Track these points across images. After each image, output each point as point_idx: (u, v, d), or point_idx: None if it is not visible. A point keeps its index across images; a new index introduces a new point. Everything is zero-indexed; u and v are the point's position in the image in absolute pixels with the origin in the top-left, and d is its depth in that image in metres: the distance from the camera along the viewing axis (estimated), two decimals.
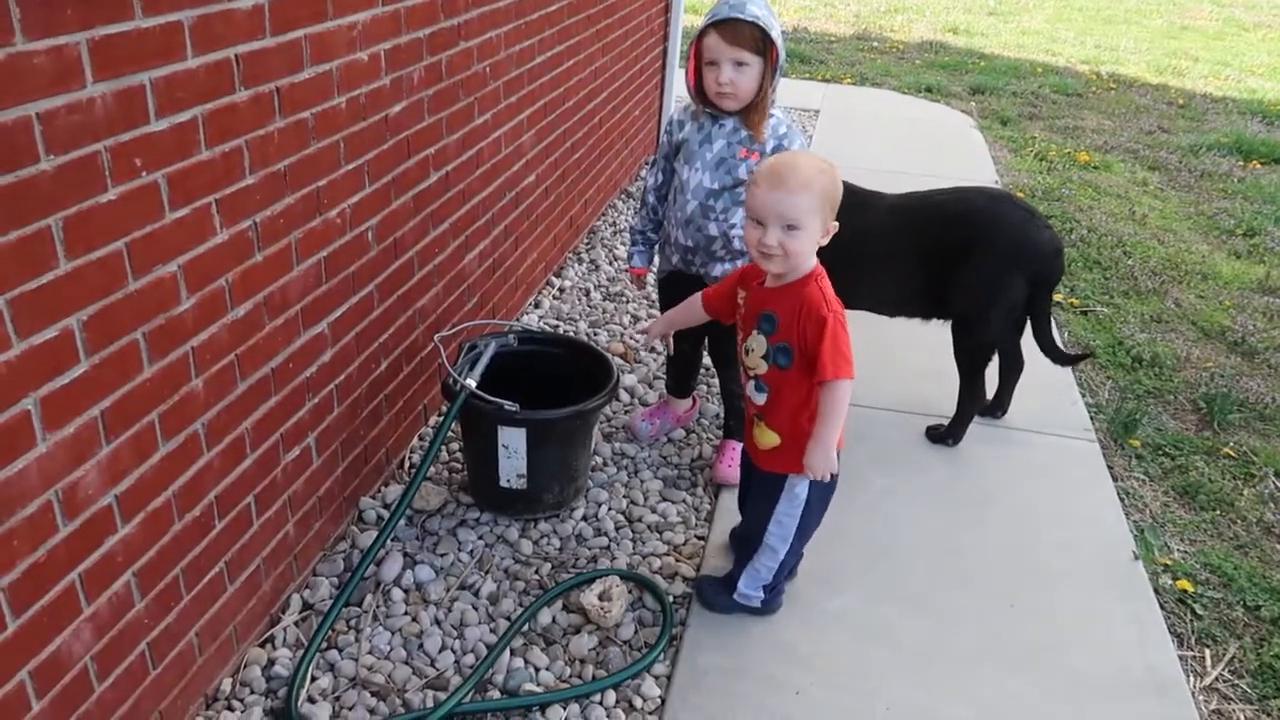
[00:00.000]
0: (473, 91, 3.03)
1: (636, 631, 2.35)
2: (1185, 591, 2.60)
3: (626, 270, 3.25)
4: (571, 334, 3.74)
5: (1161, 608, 2.53)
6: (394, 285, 2.70)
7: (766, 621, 2.38)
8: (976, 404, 3.15)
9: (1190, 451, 3.25)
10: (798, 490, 2.22)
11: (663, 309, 2.86)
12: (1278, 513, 2.96)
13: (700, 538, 2.68)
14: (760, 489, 2.28)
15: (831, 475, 2.14)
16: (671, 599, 2.44)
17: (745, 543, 2.35)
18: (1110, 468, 3.11)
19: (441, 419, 2.51)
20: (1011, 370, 3.27)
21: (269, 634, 2.27)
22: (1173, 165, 6.61)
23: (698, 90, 2.57)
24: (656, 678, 2.22)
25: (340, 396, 2.48)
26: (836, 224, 2.06)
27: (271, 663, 2.19)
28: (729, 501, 2.83)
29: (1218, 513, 2.96)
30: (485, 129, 3.21)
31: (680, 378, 3.09)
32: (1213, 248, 5.16)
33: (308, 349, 2.28)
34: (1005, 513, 2.86)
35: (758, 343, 2.15)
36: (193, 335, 1.85)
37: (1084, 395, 3.53)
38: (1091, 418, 3.38)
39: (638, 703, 2.15)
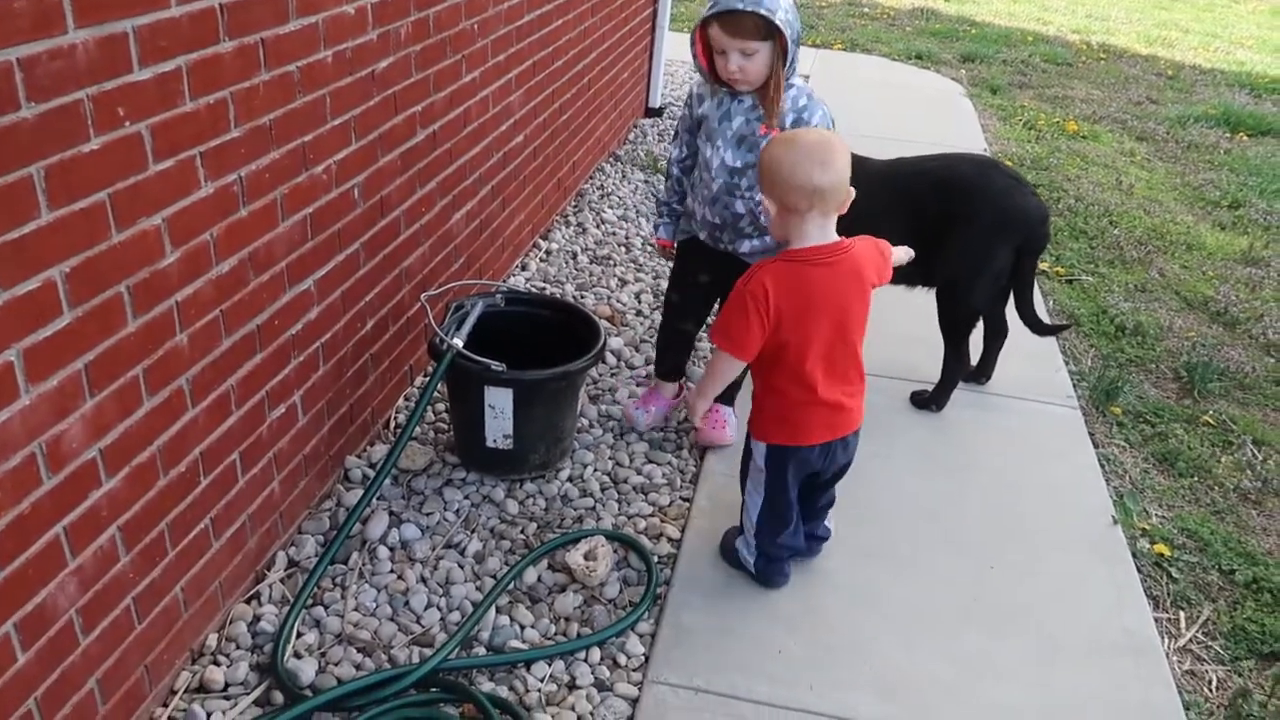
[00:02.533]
0: (460, 49, 2.99)
1: (621, 591, 2.37)
2: (1162, 555, 2.64)
3: (653, 241, 3.20)
4: (558, 296, 3.73)
5: (1139, 571, 2.57)
6: (380, 243, 2.68)
7: (750, 582, 2.40)
8: (961, 370, 3.16)
9: (1170, 419, 3.28)
10: (755, 455, 2.30)
11: (677, 272, 2.86)
12: (1254, 480, 3.00)
13: (685, 499, 2.70)
14: (747, 443, 2.36)
15: (796, 462, 2.23)
16: (656, 559, 2.46)
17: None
18: (1091, 434, 3.14)
19: (428, 379, 2.50)
20: (996, 337, 3.29)
21: (255, 590, 2.28)
22: (1160, 136, 6.62)
23: (711, 72, 2.51)
24: (641, 636, 2.25)
25: (326, 355, 2.47)
26: (769, 199, 2.09)
27: (257, 619, 2.19)
28: (714, 464, 2.84)
29: (1195, 479, 3.00)
30: (473, 87, 3.18)
31: (674, 363, 3.04)
32: (1198, 219, 5.18)
33: (293, 306, 2.27)
34: (987, 477, 2.89)
35: None
36: (177, 289, 1.83)
37: (1067, 363, 3.56)
38: (1074, 385, 3.41)
39: (622, 660, 2.18)
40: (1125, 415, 3.29)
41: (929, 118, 6.44)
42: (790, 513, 2.31)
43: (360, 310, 2.63)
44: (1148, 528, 2.75)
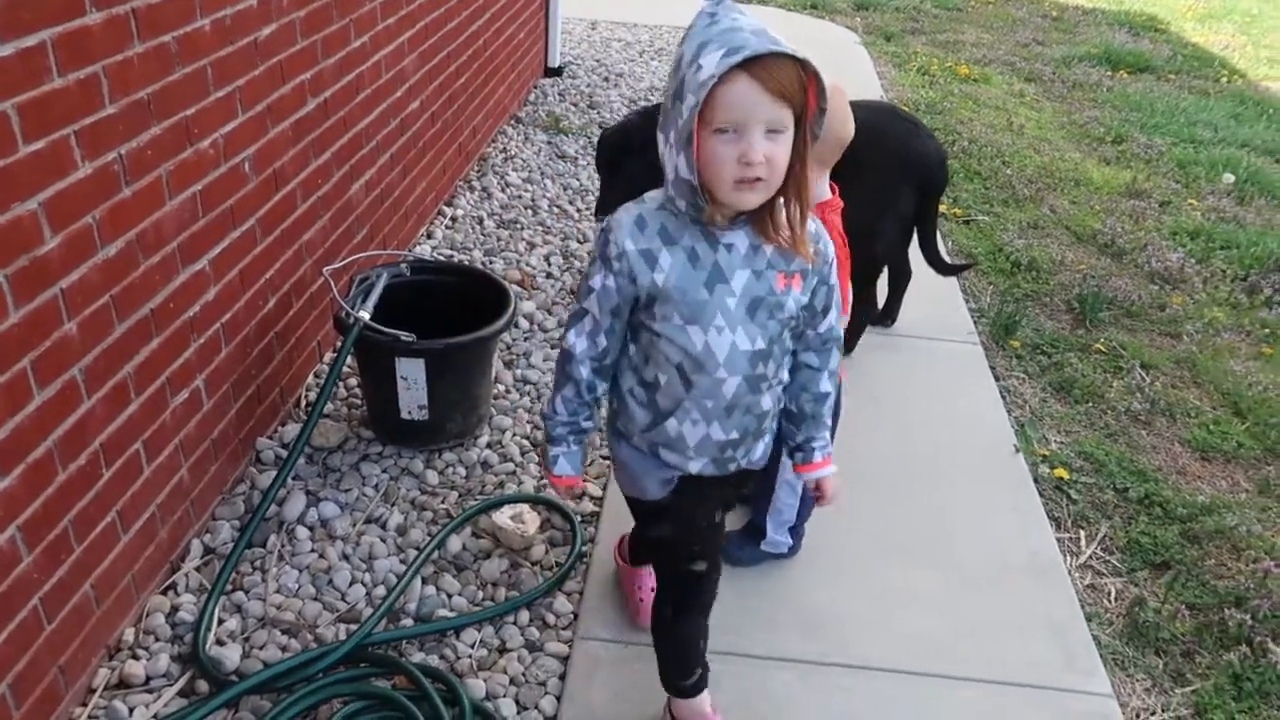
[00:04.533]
0: (348, 13, 2.90)
1: (547, 552, 2.38)
2: (1062, 479, 2.78)
3: (544, 479, 2.44)
4: (467, 262, 3.69)
5: (1040, 495, 2.70)
6: (277, 218, 2.61)
7: None
8: (870, 314, 3.24)
9: (1065, 349, 3.43)
10: None
11: (667, 537, 1.84)
12: (1143, 402, 3.17)
13: (605, 458, 2.72)
14: None
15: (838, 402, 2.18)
16: (579, 518, 2.48)
17: (763, 485, 2.29)
18: (993, 368, 3.27)
19: (336, 354, 2.46)
20: (901, 279, 3.38)
21: (170, 581, 2.22)
22: (1047, 76, 6.82)
23: (698, 184, 1.47)
24: (569, 595, 2.27)
25: (228, 335, 2.40)
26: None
27: (175, 609, 2.15)
28: None
29: (1090, 405, 3.15)
30: (364, 52, 3.09)
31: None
32: (1084, 155, 5.37)
33: (188, 287, 2.20)
34: (897, 416, 2.98)
35: None
36: (61, 277, 1.75)
37: (967, 301, 3.68)
38: (975, 321, 3.53)
39: (551, 620, 2.20)
40: (1023, 348, 3.42)
41: (827, 68, 6.43)
42: None
43: (261, 288, 2.56)
44: (1047, 454, 2.88)
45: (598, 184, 4.44)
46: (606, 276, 1.58)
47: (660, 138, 1.51)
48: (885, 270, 3.30)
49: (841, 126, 2.02)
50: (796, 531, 2.36)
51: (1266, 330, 3.67)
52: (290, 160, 2.64)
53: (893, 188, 3.04)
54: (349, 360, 2.49)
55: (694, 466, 1.68)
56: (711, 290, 1.55)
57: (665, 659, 1.89)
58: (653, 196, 1.59)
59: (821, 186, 2.08)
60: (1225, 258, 4.20)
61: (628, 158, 3.17)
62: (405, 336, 2.42)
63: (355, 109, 3.07)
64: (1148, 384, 3.26)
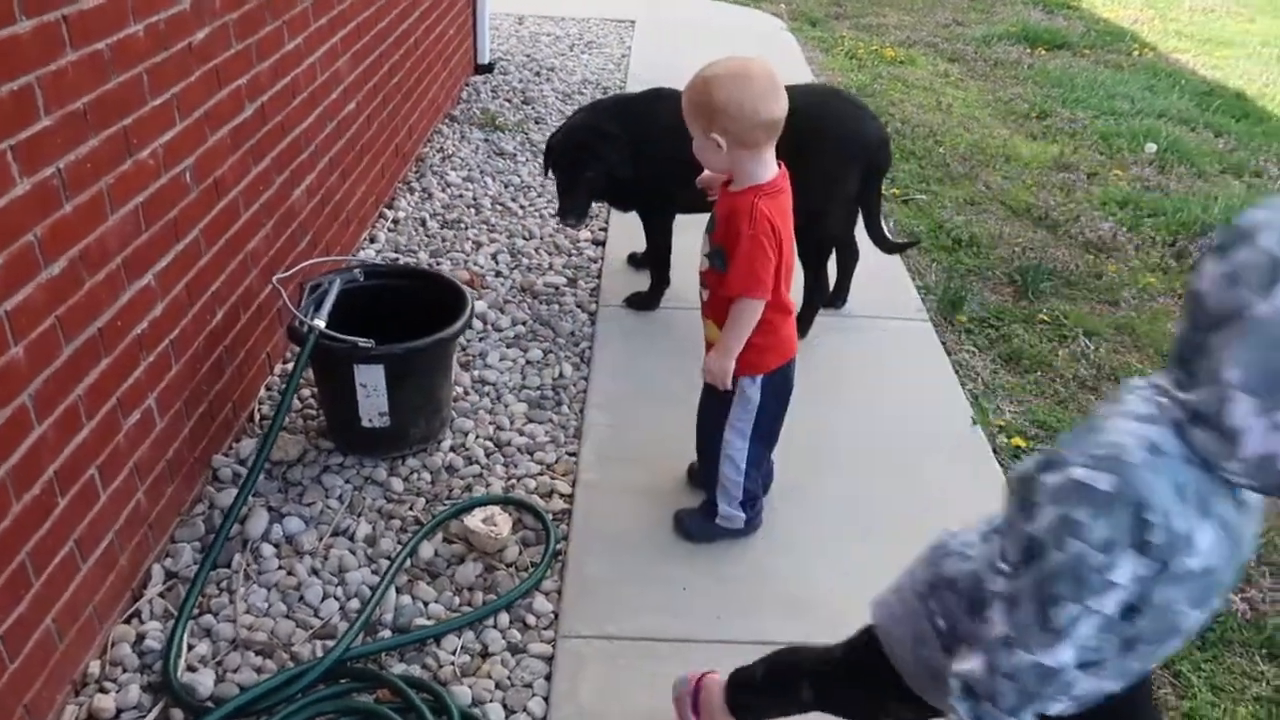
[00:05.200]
0: (280, 14, 2.82)
1: (521, 553, 2.36)
2: (1019, 447, 2.84)
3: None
4: (414, 264, 3.63)
5: (1000, 465, 2.75)
6: (220, 228, 2.53)
7: (647, 527, 2.44)
8: (822, 296, 3.27)
9: (1011, 321, 3.51)
10: (749, 393, 2.23)
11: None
12: (1089, 368, 3.25)
13: (572, 454, 2.70)
14: (711, 391, 2.26)
15: (782, 379, 2.24)
16: (551, 516, 2.46)
17: (707, 460, 2.35)
18: (944, 344, 3.33)
19: (292, 365, 2.40)
20: (849, 261, 3.42)
21: (134, 609, 2.15)
22: (969, 56, 6.96)
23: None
24: (547, 594, 2.25)
25: (178, 352, 2.33)
26: (724, 137, 2.02)
27: (141, 638, 2.07)
28: (596, 416, 2.85)
29: (1039, 374, 3.22)
30: (298, 54, 3.01)
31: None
32: (1012, 131, 5.50)
33: (136, 304, 2.12)
34: (856, 397, 3.02)
35: (705, 240, 2.19)
36: (4, 298, 1.68)
37: (914, 279, 3.74)
38: (922, 299, 3.59)
39: (531, 620, 2.18)
40: (971, 322, 3.49)
41: (760, 55, 6.54)
42: (777, 432, 2.35)
43: (208, 300, 2.48)
44: (1003, 424, 2.94)
45: (539, 180, 4.41)
46: (1140, 562, 1.09)
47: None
48: (837, 255, 3.33)
49: (758, 105, 2.00)
50: (752, 507, 2.38)
51: None
52: (230, 168, 2.56)
53: (839, 170, 3.07)
54: (305, 370, 2.43)
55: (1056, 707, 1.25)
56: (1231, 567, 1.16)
57: None
58: (1160, 434, 1.11)
59: (755, 169, 2.08)
60: (1153, 225, 4.33)
61: (589, 159, 3.13)
62: (363, 342, 2.37)
63: (293, 113, 2.99)
64: (1092, 351, 3.35)
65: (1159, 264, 4.01)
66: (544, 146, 3.31)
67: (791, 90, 3.17)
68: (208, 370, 2.49)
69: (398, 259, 3.68)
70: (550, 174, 3.32)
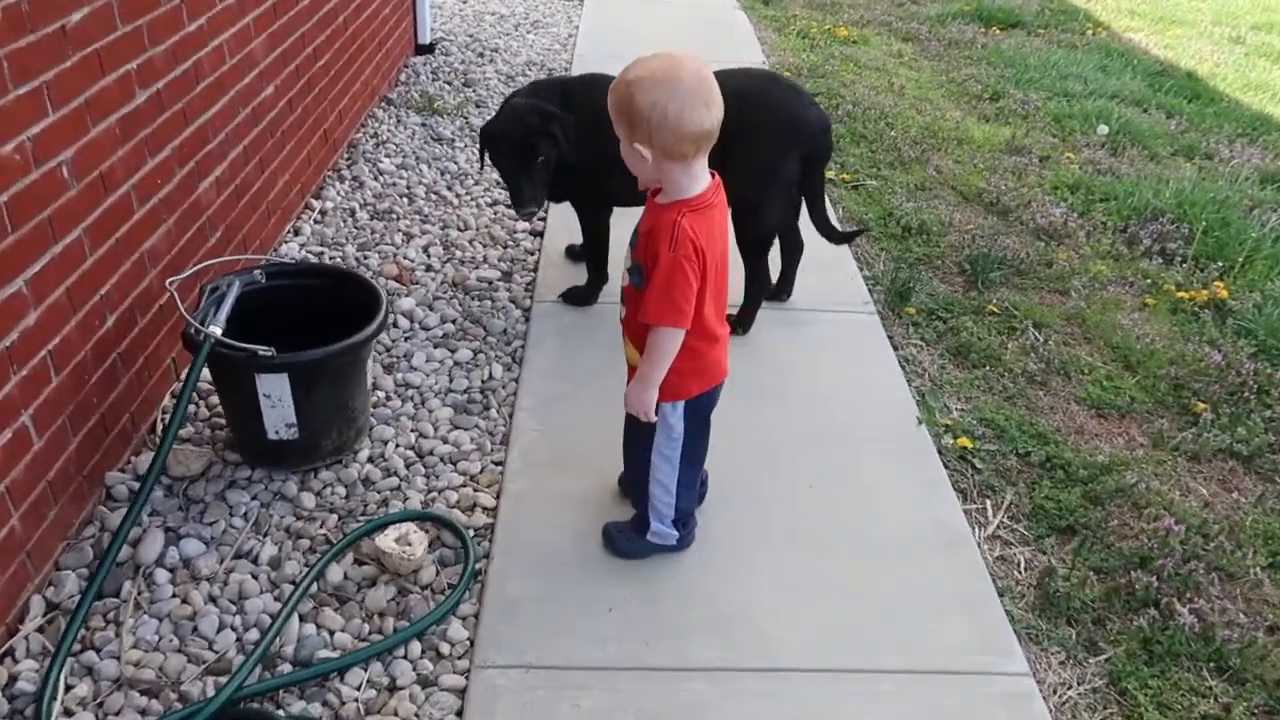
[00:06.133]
0: None
1: (438, 573, 2.21)
2: (965, 448, 2.73)
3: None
4: (338, 259, 3.44)
5: (946, 466, 2.65)
6: (109, 227, 2.34)
7: (575, 541, 2.30)
8: (763, 289, 3.14)
9: (960, 313, 3.40)
10: (670, 420, 2.07)
11: None
12: (1038, 362, 3.16)
13: (498, 463, 2.55)
14: (636, 418, 2.08)
15: (707, 403, 2.08)
16: (472, 533, 2.31)
17: (637, 479, 2.20)
18: (890, 337, 3.21)
19: (185, 374, 2.22)
20: (793, 251, 3.29)
21: (7, 646, 1.97)
22: (923, 36, 6.84)
23: None
24: (464, 619, 2.10)
25: (58, 363, 2.14)
26: (648, 147, 1.83)
27: (13, 679, 1.90)
28: (525, 420, 2.70)
29: (988, 369, 3.12)
30: (201, 37, 2.81)
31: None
32: (964, 113, 5.39)
33: (2, 313, 1.93)
34: (799, 395, 2.89)
35: (627, 253, 2.00)
36: None
37: (861, 269, 3.62)
38: (870, 290, 3.47)
39: (445, 649, 2.03)
40: (919, 314, 3.38)
41: (708, 35, 6.38)
42: (704, 453, 2.21)
43: (96, 306, 2.29)
44: (950, 423, 2.84)
45: (476, 167, 4.23)
46: None
47: None
48: (776, 243, 3.20)
49: (686, 114, 1.80)
50: (684, 524, 2.25)
51: (1148, 280, 3.73)
52: (120, 161, 2.37)
53: (778, 157, 2.93)
54: (206, 378, 2.26)
55: None
56: None
57: None
58: None
59: (683, 181, 1.88)
60: (1105, 210, 4.25)
61: (544, 141, 2.90)
62: (263, 350, 2.19)
63: (196, 100, 2.79)
64: (1041, 343, 3.25)
65: (1110, 251, 3.92)
66: (480, 134, 3.06)
67: (726, 74, 3.05)
68: (98, 381, 2.31)
69: (323, 253, 3.49)
70: (491, 162, 3.06)
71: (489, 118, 3.24)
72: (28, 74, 1.98)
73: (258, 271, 2.48)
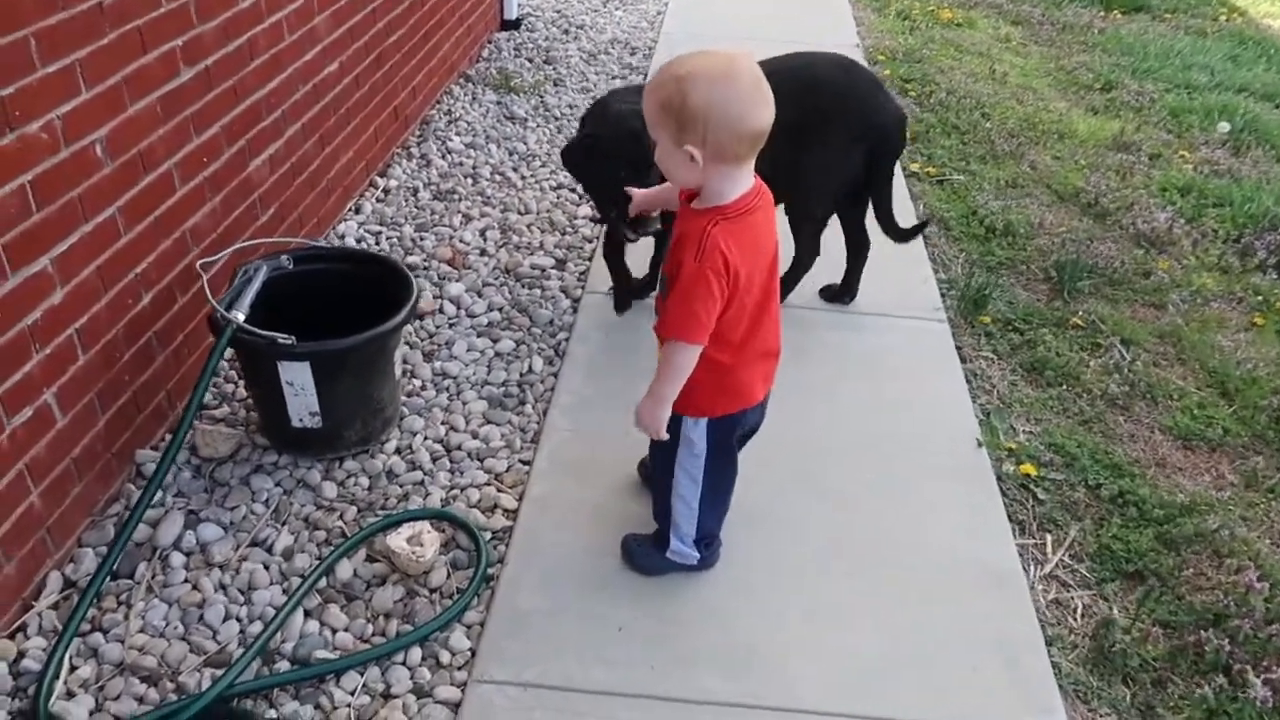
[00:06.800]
0: None
1: (449, 576, 2.14)
2: (1029, 475, 2.53)
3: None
4: (394, 240, 3.41)
5: (1004, 495, 2.45)
6: (148, 205, 2.33)
7: (593, 552, 2.20)
8: (801, 269, 2.98)
9: (1039, 324, 3.16)
10: (692, 436, 1.95)
11: None
12: (1122, 384, 2.90)
13: (525, 462, 2.47)
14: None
15: (736, 425, 1.95)
16: (489, 536, 2.24)
17: (659, 492, 2.09)
18: (959, 348, 3.00)
19: (207, 359, 2.20)
20: (859, 251, 3.10)
21: (20, 622, 1.99)
22: (1035, 19, 6.45)
23: None
24: (469, 627, 2.03)
25: (85, 342, 2.14)
26: (700, 149, 1.66)
27: (21, 655, 1.91)
28: (558, 419, 2.61)
29: (1064, 388, 2.88)
30: (257, 13, 2.78)
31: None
32: (1070, 104, 5.04)
33: (22, 294, 1.93)
34: (849, 405, 2.72)
35: (662, 264, 1.88)
36: None
37: (936, 271, 3.40)
38: (943, 295, 3.25)
39: (445, 658, 1.96)
40: (994, 324, 3.15)
41: (803, 14, 6.14)
42: (734, 477, 2.08)
43: (130, 285, 2.29)
44: (1014, 447, 2.62)
45: (545, 149, 4.14)
46: None
47: None
48: (841, 243, 3.02)
49: (745, 113, 1.66)
50: (707, 544, 2.13)
51: (1259, 297, 3.40)
52: (161, 139, 2.36)
53: (842, 147, 2.76)
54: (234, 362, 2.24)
55: None
56: None
57: None
58: None
59: (725, 186, 1.73)
60: (1217, 216, 3.90)
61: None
62: (282, 338, 2.15)
63: (249, 77, 2.77)
64: (1127, 363, 2.99)
65: (1218, 262, 3.59)
66: (583, 143, 2.68)
67: (808, 57, 2.87)
68: (130, 359, 2.31)
69: (380, 232, 3.46)
70: (584, 173, 2.73)
71: (576, 108, 3.07)
72: (58, 51, 1.96)
73: (285, 257, 2.43)
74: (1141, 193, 4.06)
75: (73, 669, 1.90)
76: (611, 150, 2.58)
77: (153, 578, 2.10)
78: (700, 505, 2.04)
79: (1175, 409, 2.82)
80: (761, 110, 1.67)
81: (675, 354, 1.77)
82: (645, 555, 2.15)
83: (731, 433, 1.97)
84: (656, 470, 2.09)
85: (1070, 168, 4.27)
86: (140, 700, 1.86)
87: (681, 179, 1.77)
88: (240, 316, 2.18)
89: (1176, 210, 3.92)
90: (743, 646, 2.00)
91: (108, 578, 2.05)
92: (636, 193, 2.14)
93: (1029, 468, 2.54)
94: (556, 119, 4.45)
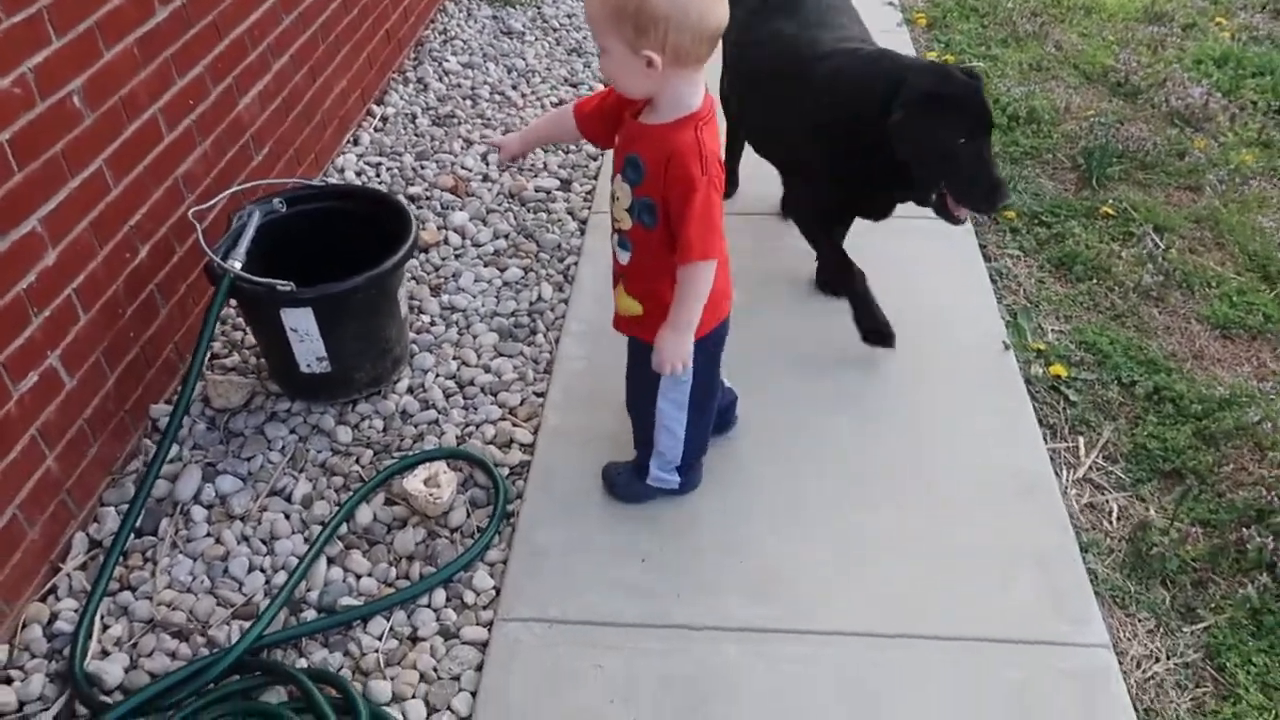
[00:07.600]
0: None
1: (469, 515, 2.13)
2: (1059, 377, 2.44)
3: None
4: (394, 171, 3.32)
5: (1033, 398, 2.38)
6: (135, 155, 2.26)
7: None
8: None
9: (1067, 216, 3.03)
10: None
11: None
12: (1155, 274, 2.78)
13: (539, 394, 2.43)
14: (637, 361, 1.94)
15: (717, 340, 1.89)
16: (506, 472, 2.21)
17: (639, 424, 2.06)
18: (983, 246, 2.89)
19: (207, 310, 2.16)
20: None
21: (50, 584, 2.00)
22: None
23: None
24: (491, 566, 2.02)
25: (85, 301, 2.10)
26: (660, 53, 1.57)
27: (54, 617, 1.93)
28: (570, 347, 2.56)
29: (1094, 281, 2.78)
30: None
31: None
32: None
33: (13, 257, 1.89)
34: None
35: (623, 191, 1.77)
36: None
37: None
38: None
39: (470, 598, 1.96)
40: (1020, 218, 3.03)
41: None
42: (716, 395, 2.05)
43: (126, 238, 2.24)
44: (1043, 348, 2.54)
45: (544, 64, 3.99)
46: None
47: None
48: None
49: (706, 11, 1.58)
50: (688, 469, 2.09)
51: None
52: (142, 84, 2.27)
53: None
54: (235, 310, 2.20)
55: None
56: None
57: None
58: None
59: (690, 92, 1.67)
60: (1256, 86, 3.69)
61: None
62: (282, 285, 2.10)
63: (229, 10, 2.66)
64: (1161, 251, 2.87)
65: (1257, 137, 3.41)
66: (919, 100, 2.16)
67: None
68: (133, 314, 2.28)
69: (380, 163, 3.37)
70: (918, 140, 2.20)
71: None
72: (21, 1, 1.87)
73: (277, 200, 2.36)
74: (1175, 67, 3.85)
75: (105, 628, 1.92)
76: (955, 105, 2.15)
77: (176, 533, 2.11)
78: (687, 431, 2.00)
79: (1213, 297, 2.71)
80: (719, 8, 1.61)
81: (701, 275, 1.71)
82: (626, 485, 2.12)
83: (719, 348, 1.93)
84: (635, 402, 2.03)
85: (1098, 45, 4.05)
86: (173, 655, 1.87)
87: (635, 88, 1.69)
88: (237, 265, 2.13)
89: (1213, 83, 3.71)
90: (766, 572, 1.97)
91: (131, 535, 2.06)
92: (504, 139, 2.05)
93: (1059, 368, 2.46)
94: (554, 30, 4.28)
